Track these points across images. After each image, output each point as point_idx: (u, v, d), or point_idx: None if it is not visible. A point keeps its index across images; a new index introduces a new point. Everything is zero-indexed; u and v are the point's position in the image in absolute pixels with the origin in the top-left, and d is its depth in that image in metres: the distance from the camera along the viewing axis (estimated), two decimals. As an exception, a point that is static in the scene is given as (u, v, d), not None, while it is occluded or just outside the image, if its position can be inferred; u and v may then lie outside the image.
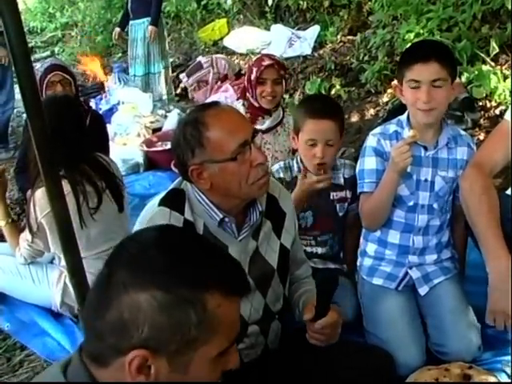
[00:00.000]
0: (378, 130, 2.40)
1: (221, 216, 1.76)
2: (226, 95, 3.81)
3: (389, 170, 2.25)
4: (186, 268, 1.04)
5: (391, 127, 2.37)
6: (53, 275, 2.88)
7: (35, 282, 2.91)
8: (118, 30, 6.90)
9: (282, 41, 6.92)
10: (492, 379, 2.00)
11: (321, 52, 6.56)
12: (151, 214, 1.76)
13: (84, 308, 1.13)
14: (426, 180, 2.32)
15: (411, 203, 2.35)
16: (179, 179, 1.87)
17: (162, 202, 1.79)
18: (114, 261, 1.08)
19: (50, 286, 2.87)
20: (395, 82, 2.35)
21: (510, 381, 2.11)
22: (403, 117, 2.35)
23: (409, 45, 4.91)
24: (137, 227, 1.79)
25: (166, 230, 1.20)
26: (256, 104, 3.33)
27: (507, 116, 2.23)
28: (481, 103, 4.28)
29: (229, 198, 1.77)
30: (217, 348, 1.05)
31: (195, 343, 1.02)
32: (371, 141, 2.36)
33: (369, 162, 2.34)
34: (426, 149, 2.30)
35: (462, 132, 2.46)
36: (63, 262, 2.83)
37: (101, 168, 2.84)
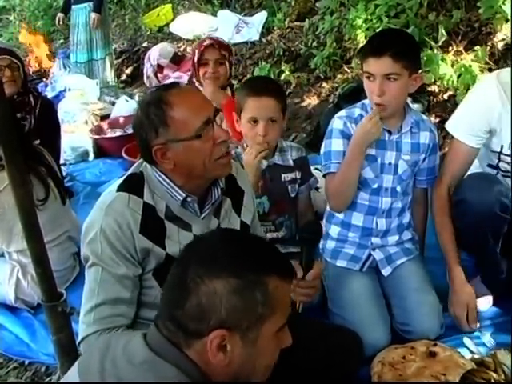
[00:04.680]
0: (343, 112, 2.41)
1: (183, 195, 1.76)
2: (181, 81, 3.80)
3: (355, 144, 2.29)
4: (250, 256, 1.24)
5: (356, 111, 2.40)
6: (4, 270, 2.81)
7: (-14, 278, 2.83)
8: (61, 15, 6.74)
9: (229, 26, 6.88)
10: (456, 355, 2.06)
11: (269, 38, 6.56)
12: (110, 199, 1.74)
13: (161, 305, 1.29)
14: (389, 163, 2.37)
15: (375, 186, 2.38)
16: (138, 163, 1.85)
17: (121, 187, 1.77)
18: (185, 261, 1.26)
19: (1, 281, 2.80)
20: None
21: (470, 356, 2.18)
22: (367, 101, 2.37)
23: (358, 31, 5.06)
24: (95, 212, 1.77)
25: (224, 231, 1.56)
26: (201, 88, 3.30)
27: (457, 136, 2.33)
28: (430, 88, 4.38)
29: (192, 179, 1.76)
30: (277, 324, 1.22)
31: (261, 320, 1.19)
32: (338, 123, 2.37)
33: (336, 144, 2.36)
34: (390, 133, 2.35)
35: (425, 117, 2.51)
36: (14, 256, 2.79)
37: (43, 160, 2.84)
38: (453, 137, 2.38)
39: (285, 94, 2.63)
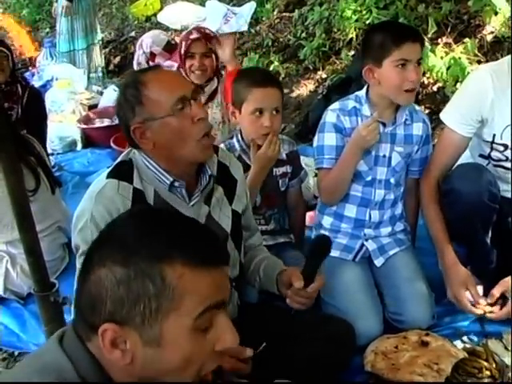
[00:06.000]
0: (336, 105, 2.40)
1: (170, 179, 1.77)
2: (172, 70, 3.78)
3: (352, 146, 2.29)
4: (144, 241, 1.05)
5: (350, 103, 2.38)
6: (-8, 261, 2.78)
7: (-26, 269, 2.80)
8: (56, 4, 6.69)
9: (217, 17, 6.75)
10: (448, 344, 2.08)
11: (257, 28, 6.54)
12: (100, 187, 1.75)
13: None
14: (384, 156, 2.37)
15: (369, 178, 2.39)
16: (127, 151, 1.86)
17: (110, 175, 1.78)
18: (93, 244, 1.12)
19: (-10, 271, 2.78)
20: (369, 65, 2.29)
21: (462, 345, 2.19)
22: (361, 92, 2.37)
23: (347, 22, 5.05)
24: (85, 201, 1.76)
25: (137, 209, 1.25)
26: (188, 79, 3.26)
27: (449, 124, 2.33)
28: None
29: (175, 160, 1.77)
30: (187, 318, 1.03)
31: (159, 314, 1.02)
32: (331, 116, 2.36)
33: (329, 138, 2.35)
34: (384, 125, 2.34)
35: (417, 107, 2.52)
36: (3, 247, 2.76)
37: (33, 149, 2.83)
38: (443, 127, 2.39)
39: (281, 84, 2.62)
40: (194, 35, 3.31)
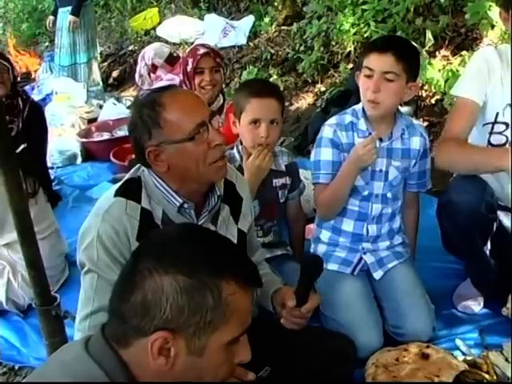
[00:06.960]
0: (333, 120, 2.41)
1: (180, 201, 1.74)
2: (173, 83, 3.80)
3: (349, 164, 2.30)
4: (207, 256, 1.15)
5: (347, 118, 2.39)
6: (-6, 272, 2.78)
7: (-25, 279, 2.80)
8: (51, 17, 6.79)
9: (216, 30, 6.89)
10: (449, 357, 2.08)
11: (256, 42, 6.58)
12: (107, 205, 1.71)
13: (110, 299, 1.19)
14: (380, 170, 2.37)
15: (366, 193, 2.39)
16: (135, 168, 1.83)
17: (118, 193, 1.74)
18: (140, 251, 1.20)
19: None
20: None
21: (463, 357, 2.19)
22: (358, 106, 2.38)
23: (346, 36, 5.12)
24: (92, 218, 1.73)
25: (188, 225, 1.39)
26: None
27: (461, 94, 2.29)
28: (417, 93, 4.41)
29: (187, 182, 1.74)
30: (229, 334, 1.13)
31: (210, 327, 1.11)
32: (327, 132, 2.37)
33: (325, 154, 2.36)
34: (380, 140, 2.34)
35: (415, 121, 2.52)
36: (4, 252, 2.77)
37: (30, 160, 2.86)
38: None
39: (283, 97, 2.62)
40: (202, 50, 3.24)
